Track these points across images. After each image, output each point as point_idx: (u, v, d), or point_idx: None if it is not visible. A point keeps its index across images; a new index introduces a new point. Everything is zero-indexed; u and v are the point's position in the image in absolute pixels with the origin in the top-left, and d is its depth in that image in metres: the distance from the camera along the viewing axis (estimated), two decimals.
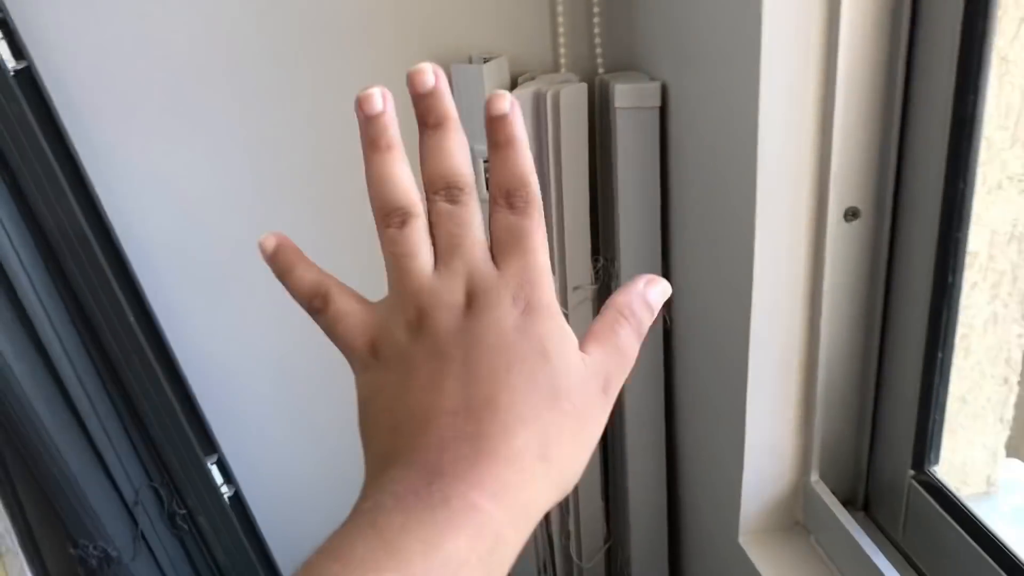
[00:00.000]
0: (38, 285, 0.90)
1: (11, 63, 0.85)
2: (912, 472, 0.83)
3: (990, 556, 0.71)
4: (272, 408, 1.15)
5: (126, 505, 1.00)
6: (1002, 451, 0.99)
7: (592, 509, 1.13)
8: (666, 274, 1.00)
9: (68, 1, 0.90)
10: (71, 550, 0.98)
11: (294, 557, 1.12)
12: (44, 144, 0.86)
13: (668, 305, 1.00)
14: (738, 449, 0.89)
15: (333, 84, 1.00)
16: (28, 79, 0.87)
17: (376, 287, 0.38)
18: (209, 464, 1.03)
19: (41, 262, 0.90)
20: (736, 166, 0.79)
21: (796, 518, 0.92)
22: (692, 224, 0.94)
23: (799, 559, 0.89)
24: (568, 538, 1.15)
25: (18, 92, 0.85)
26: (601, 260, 1.04)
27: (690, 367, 1.01)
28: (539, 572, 1.20)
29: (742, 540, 0.92)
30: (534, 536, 1.17)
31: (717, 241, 0.88)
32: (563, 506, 1.13)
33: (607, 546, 1.15)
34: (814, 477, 0.89)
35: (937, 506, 0.79)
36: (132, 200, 0.99)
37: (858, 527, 0.83)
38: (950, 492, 0.80)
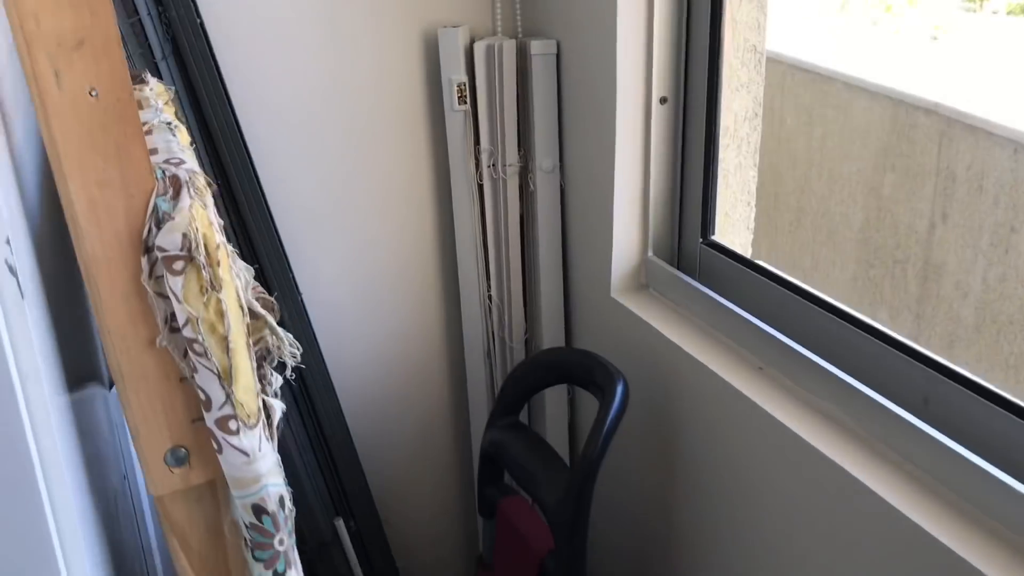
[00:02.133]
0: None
1: (197, 17, 1.47)
2: (701, 240, 1.58)
3: (755, 272, 1.46)
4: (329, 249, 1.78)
5: None
6: (749, 249, 1.76)
7: (517, 307, 1.83)
8: (561, 150, 1.72)
9: None
10: None
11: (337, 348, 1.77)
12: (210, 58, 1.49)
13: (563, 166, 1.73)
14: (608, 240, 1.61)
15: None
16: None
17: None
18: (290, 276, 1.66)
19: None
20: (602, 82, 1.52)
21: (641, 281, 1.66)
22: (577, 119, 1.67)
23: (647, 301, 1.62)
24: (503, 329, 1.85)
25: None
26: (522, 149, 1.75)
27: (577, 202, 1.73)
28: (485, 356, 1.89)
29: (613, 294, 1.65)
30: (484, 330, 1.86)
31: (591, 127, 1.60)
32: (499, 304, 1.83)
33: (527, 332, 1.86)
34: (650, 253, 1.63)
35: (717, 253, 1.54)
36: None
37: (676, 276, 1.57)
38: (721, 244, 1.55)
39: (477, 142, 1.73)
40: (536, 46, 1.66)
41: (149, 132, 0.97)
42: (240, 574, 0.99)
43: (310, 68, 1.65)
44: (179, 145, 0.92)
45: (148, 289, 0.82)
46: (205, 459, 0.91)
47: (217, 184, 1.52)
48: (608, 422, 1.37)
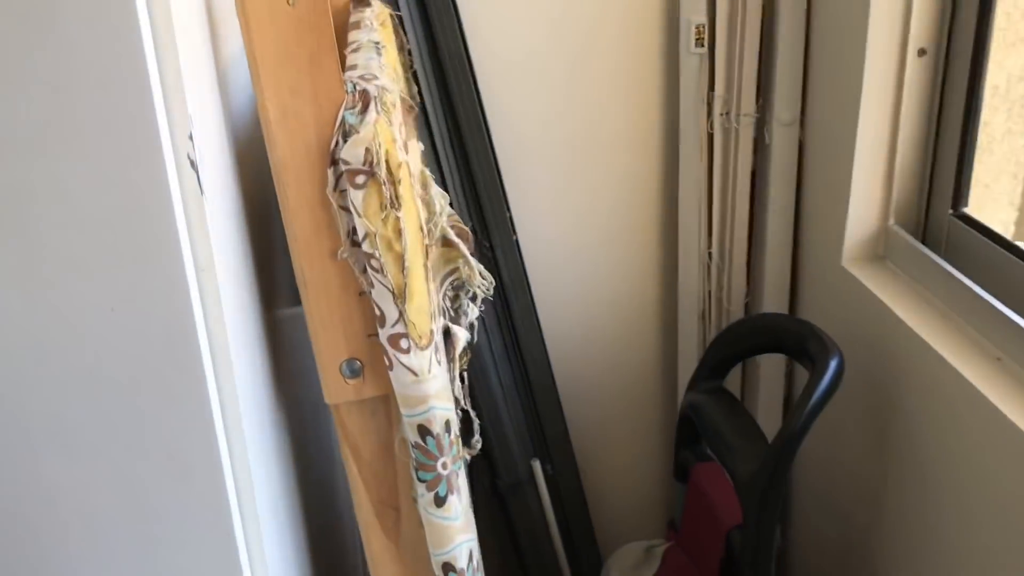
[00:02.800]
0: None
1: None
2: (951, 212, 1.41)
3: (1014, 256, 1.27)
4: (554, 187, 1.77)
5: None
6: (1012, 228, 1.55)
7: (739, 268, 1.73)
8: (804, 102, 1.59)
9: None
10: None
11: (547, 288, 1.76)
12: None
13: (803, 120, 1.60)
14: (844, 203, 1.47)
15: None
16: None
17: None
18: (507, 216, 1.67)
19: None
20: (853, 27, 1.38)
21: (878, 251, 1.51)
22: (825, 69, 1.53)
23: (881, 274, 1.47)
24: (721, 290, 1.76)
25: None
26: (760, 99, 1.63)
27: (816, 159, 1.60)
28: (699, 318, 1.81)
29: (844, 263, 1.51)
30: (701, 289, 1.78)
31: (838, 77, 1.46)
32: (720, 264, 1.74)
33: (748, 296, 1.76)
34: (891, 221, 1.47)
35: (969, 229, 1.36)
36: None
37: (918, 250, 1.41)
38: (974, 218, 1.37)
39: (711, 88, 1.64)
40: None
41: (356, 49, 0.98)
42: (406, 491, 1.01)
43: (549, 14, 1.63)
44: (379, 64, 0.93)
45: (332, 201, 0.84)
46: (378, 374, 0.92)
47: (422, 108, 1.53)
48: (815, 397, 1.26)
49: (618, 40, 1.66)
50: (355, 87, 0.84)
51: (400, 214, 0.84)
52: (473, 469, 1.84)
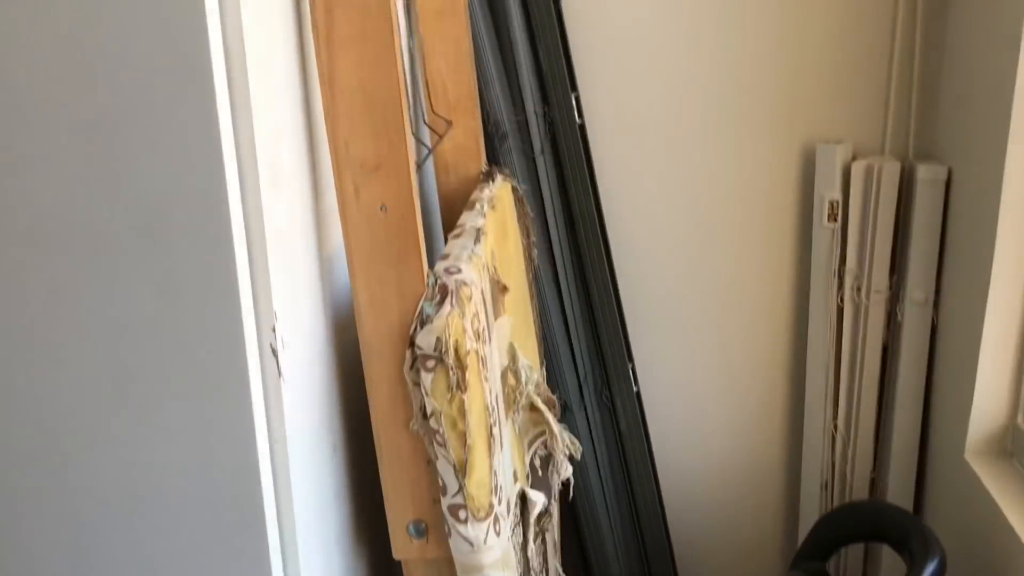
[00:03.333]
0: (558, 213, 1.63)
1: (577, 119, 1.59)
2: None
3: None
4: (681, 347, 1.82)
5: (578, 377, 1.70)
6: None
7: (865, 443, 1.69)
8: (939, 283, 1.56)
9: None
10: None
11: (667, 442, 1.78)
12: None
13: (937, 300, 1.57)
14: (969, 393, 1.42)
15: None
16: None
17: None
18: (629, 367, 1.71)
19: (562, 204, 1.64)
20: (984, 212, 1.36)
21: (1005, 447, 1.44)
22: (960, 253, 1.50)
23: (1004, 474, 1.41)
24: (845, 463, 1.72)
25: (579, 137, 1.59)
26: (895, 275, 1.62)
27: (948, 343, 1.55)
28: (822, 487, 1.76)
29: (967, 455, 1.45)
30: (825, 459, 1.74)
31: (971, 261, 1.43)
32: (845, 437, 1.70)
33: (874, 471, 1.70)
34: (1020, 418, 1.41)
35: None
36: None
37: None
38: None
39: (843, 262, 1.64)
40: (923, 171, 1.53)
41: (458, 235, 1.09)
42: None
43: (683, 169, 1.69)
44: (470, 254, 1.03)
45: (407, 379, 0.93)
46: (441, 537, 0.99)
47: (551, 262, 1.61)
48: None
49: (753, 210, 1.70)
50: (436, 281, 0.94)
51: (465, 396, 0.92)
52: None
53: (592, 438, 1.73)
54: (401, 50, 0.88)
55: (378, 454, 0.98)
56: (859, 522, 1.44)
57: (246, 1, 0.74)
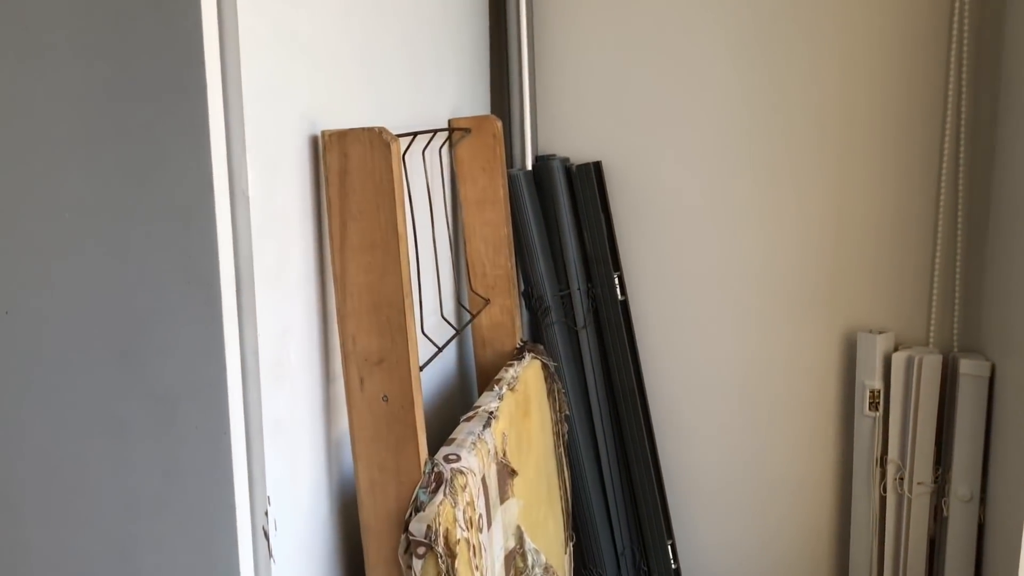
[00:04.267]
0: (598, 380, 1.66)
1: (620, 296, 1.65)
2: None
3: None
4: (723, 519, 1.80)
5: (616, 551, 1.70)
6: None
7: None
8: (985, 480, 1.51)
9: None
10: (582, 570, 1.69)
11: None
12: None
13: (983, 500, 1.52)
14: None
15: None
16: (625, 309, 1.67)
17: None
18: (668, 544, 1.71)
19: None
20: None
21: None
22: (1007, 451, 1.47)
23: None
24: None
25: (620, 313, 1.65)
26: (940, 468, 1.58)
27: (995, 542, 1.50)
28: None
29: None
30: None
31: (1019, 461, 1.40)
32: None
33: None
34: None
35: None
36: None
37: None
38: None
39: (885, 452, 1.61)
40: (966, 366, 1.52)
41: (469, 419, 1.14)
42: None
43: (724, 354, 1.72)
44: (477, 437, 1.08)
45: (401, 562, 0.98)
46: None
47: (591, 434, 1.63)
48: None
49: (794, 394, 1.71)
50: (432, 468, 0.99)
51: None
52: None
53: None
54: (408, 258, 0.97)
55: None
56: None
57: (258, 222, 0.83)
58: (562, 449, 1.49)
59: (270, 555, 0.87)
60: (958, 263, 1.59)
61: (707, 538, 1.79)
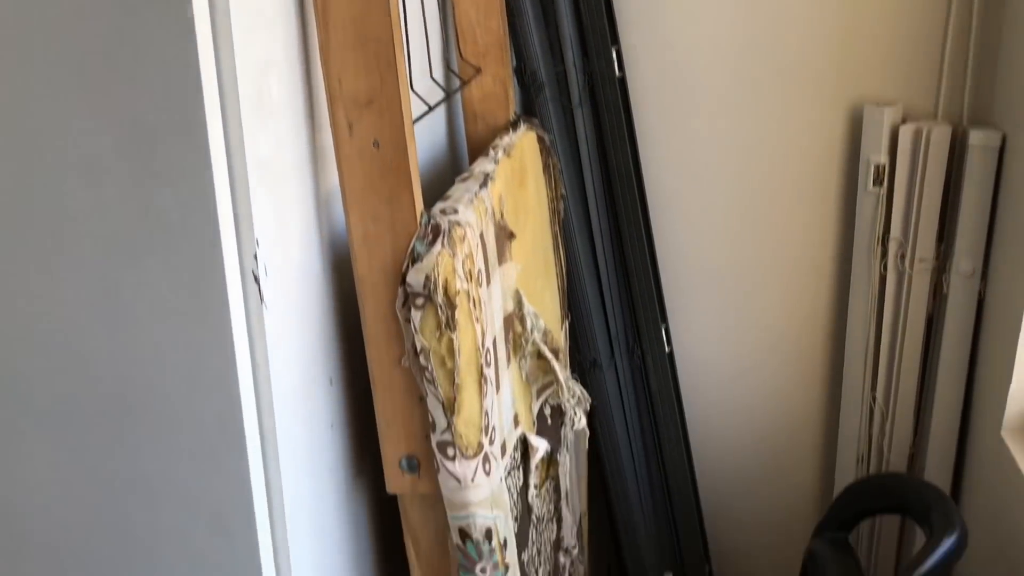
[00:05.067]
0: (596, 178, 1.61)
1: (617, 72, 1.57)
2: None
3: None
4: (714, 306, 1.79)
5: (609, 334, 1.69)
6: None
7: (904, 417, 1.64)
8: (988, 255, 1.49)
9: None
10: (575, 353, 1.69)
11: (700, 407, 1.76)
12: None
13: (986, 272, 1.50)
14: (1008, 367, 1.37)
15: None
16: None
17: None
18: (661, 327, 1.70)
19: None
20: None
21: None
22: (1011, 223, 1.44)
23: None
24: (883, 436, 1.67)
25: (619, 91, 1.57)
26: (942, 245, 1.56)
27: (993, 317, 1.49)
28: (857, 462, 1.72)
29: (1003, 432, 1.40)
30: (862, 432, 1.70)
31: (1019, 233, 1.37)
32: (883, 410, 1.65)
33: (913, 447, 1.66)
34: None
35: None
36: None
37: None
38: None
39: (888, 229, 1.58)
40: (976, 137, 1.46)
41: (465, 179, 1.09)
42: None
43: (724, 129, 1.66)
44: (474, 195, 1.03)
45: (399, 316, 0.94)
46: (432, 473, 1.01)
47: (585, 214, 1.59)
48: (922, 568, 1.19)
49: (797, 170, 1.66)
50: (429, 220, 0.94)
51: (454, 335, 0.93)
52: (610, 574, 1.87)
53: (622, 396, 1.71)
54: None
55: (373, 389, 1.00)
56: (882, 494, 1.40)
57: None
58: (558, 227, 1.45)
59: (261, 300, 0.84)
60: (973, 30, 1.50)
61: (701, 322, 1.78)
